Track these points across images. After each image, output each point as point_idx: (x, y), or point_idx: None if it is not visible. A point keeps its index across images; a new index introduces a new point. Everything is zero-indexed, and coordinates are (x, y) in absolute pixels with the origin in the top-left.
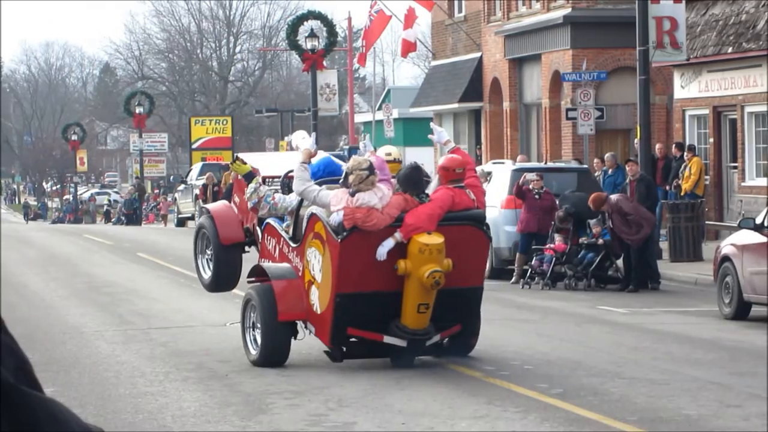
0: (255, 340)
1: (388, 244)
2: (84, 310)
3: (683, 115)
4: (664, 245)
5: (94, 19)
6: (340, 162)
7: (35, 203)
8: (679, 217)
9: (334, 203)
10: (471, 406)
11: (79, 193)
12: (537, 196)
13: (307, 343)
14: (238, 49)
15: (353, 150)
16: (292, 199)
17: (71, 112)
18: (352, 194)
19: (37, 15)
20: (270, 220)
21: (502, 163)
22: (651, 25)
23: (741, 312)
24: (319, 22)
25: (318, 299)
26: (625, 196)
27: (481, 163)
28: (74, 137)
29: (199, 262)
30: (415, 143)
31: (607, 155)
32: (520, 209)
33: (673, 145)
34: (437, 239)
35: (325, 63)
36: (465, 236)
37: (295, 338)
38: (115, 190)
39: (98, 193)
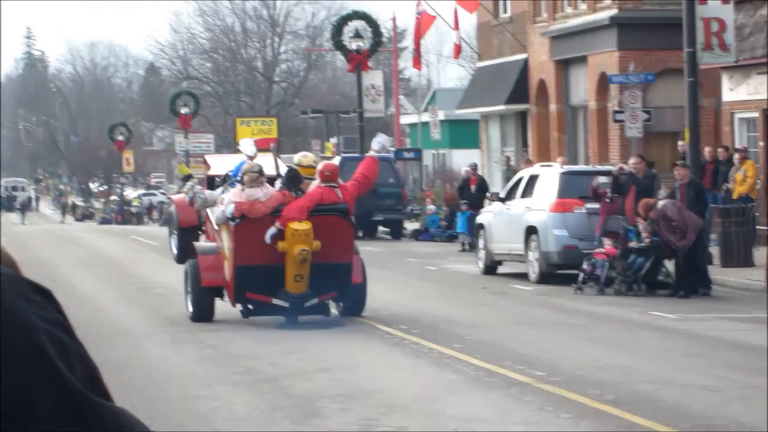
0: (190, 302)
1: (271, 231)
2: (133, 311)
3: (732, 118)
4: (714, 250)
5: (139, 19)
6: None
7: (82, 203)
8: (730, 222)
9: (230, 198)
10: (522, 412)
11: (125, 193)
12: (609, 200)
13: (358, 348)
14: (282, 49)
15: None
16: (218, 192)
17: (117, 112)
18: (243, 190)
19: (82, 15)
20: (208, 210)
21: (550, 165)
22: (699, 27)
23: None
24: (363, 22)
25: (227, 270)
26: (673, 202)
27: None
28: (120, 137)
29: (171, 240)
30: (460, 145)
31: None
32: (569, 213)
33: (722, 149)
34: (305, 225)
35: (370, 64)
36: (332, 224)
37: (221, 299)
38: (162, 191)
39: (144, 194)
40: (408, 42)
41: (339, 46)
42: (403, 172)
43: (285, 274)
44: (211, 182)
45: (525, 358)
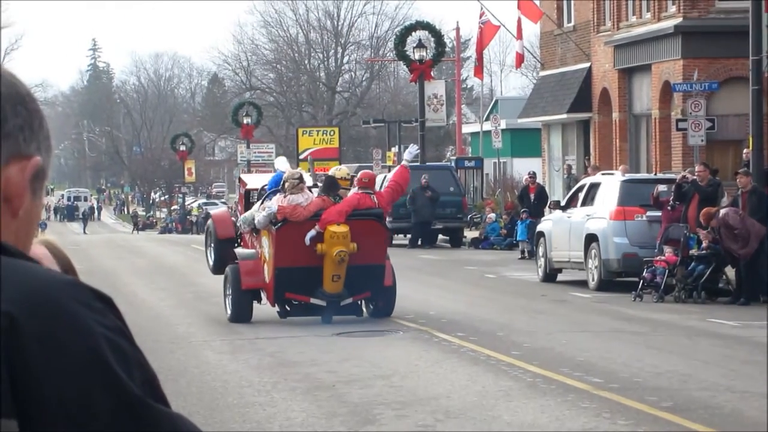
0: (229, 304)
1: (311, 233)
2: (192, 319)
3: None
4: None
5: (203, 31)
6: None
7: (144, 213)
8: None
9: (271, 204)
10: (580, 419)
11: (186, 203)
12: (670, 208)
13: (415, 355)
14: (345, 59)
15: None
16: (248, 215)
17: (179, 122)
18: (285, 196)
19: (147, 27)
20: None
21: (612, 174)
22: (764, 34)
23: None
24: (427, 32)
25: (267, 272)
26: (735, 210)
27: (588, 174)
28: (182, 148)
29: (207, 252)
30: (522, 154)
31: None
32: (629, 220)
33: None
34: (343, 228)
35: (432, 73)
36: (367, 227)
37: (259, 302)
38: (223, 200)
39: (206, 203)
40: (471, 51)
41: (402, 56)
42: (463, 181)
43: (323, 275)
44: (248, 197)
45: (583, 365)
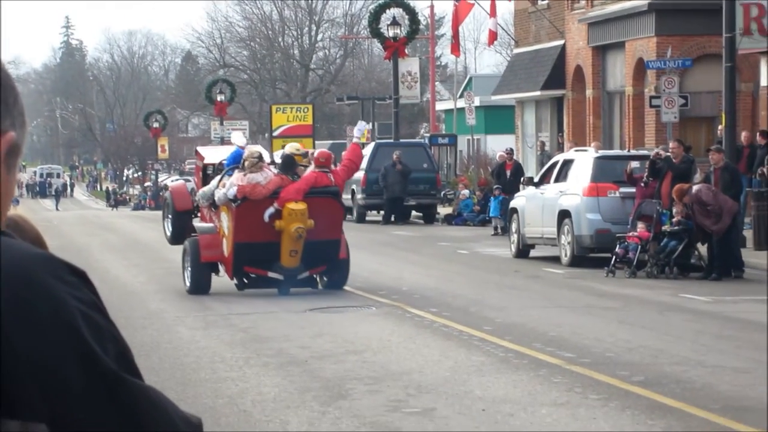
0: (188, 276)
1: (270, 210)
2: (164, 295)
3: None
4: (748, 233)
5: (176, 8)
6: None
7: (116, 190)
8: (764, 205)
9: (233, 182)
10: (551, 393)
11: (159, 180)
12: (643, 184)
13: (388, 330)
14: (319, 37)
15: (434, 138)
16: (207, 190)
17: (153, 100)
18: (245, 175)
19: (120, 4)
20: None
21: (585, 150)
22: (738, 12)
23: None
24: (401, 9)
25: (226, 247)
26: (708, 186)
27: (563, 151)
28: (156, 125)
29: (165, 223)
30: (496, 131)
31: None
32: (602, 197)
33: (759, 133)
34: (301, 206)
35: (406, 51)
36: (324, 204)
37: (217, 275)
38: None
39: (178, 179)
40: (445, 29)
41: (376, 33)
42: (437, 158)
43: (281, 250)
44: (204, 171)
45: (555, 340)
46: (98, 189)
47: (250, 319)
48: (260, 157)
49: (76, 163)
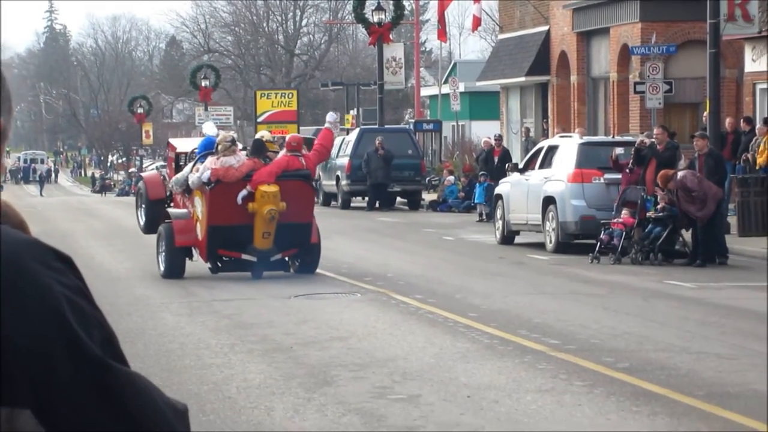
0: (162, 260)
1: (243, 193)
2: (149, 282)
3: (754, 88)
4: (732, 220)
5: None
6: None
7: (100, 176)
8: (749, 192)
9: (206, 166)
10: (536, 380)
11: (144, 165)
12: (628, 171)
13: (373, 317)
14: (304, 22)
15: (419, 124)
16: (180, 176)
17: (137, 85)
18: (218, 158)
19: None
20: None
21: (570, 136)
22: None
23: None
24: None
25: (200, 230)
26: (693, 172)
27: (547, 137)
28: (140, 110)
29: (138, 212)
30: (481, 117)
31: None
32: (587, 183)
33: (743, 120)
34: (273, 188)
35: (391, 36)
36: (295, 187)
37: (191, 259)
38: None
39: (162, 166)
40: (429, 14)
41: (361, 18)
42: (422, 144)
43: (254, 232)
44: (177, 160)
45: (540, 327)
46: (82, 175)
47: (235, 305)
48: (233, 141)
49: (61, 149)
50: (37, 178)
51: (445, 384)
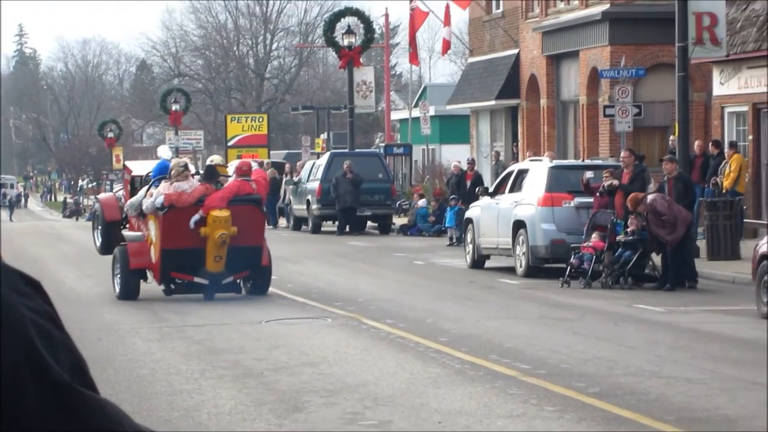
0: (117, 282)
1: (195, 217)
2: (119, 307)
3: (722, 112)
4: (701, 243)
5: (131, 17)
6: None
7: (71, 200)
8: (717, 215)
9: (160, 191)
10: (507, 405)
11: (114, 190)
12: (599, 194)
13: (344, 342)
14: (274, 46)
15: (390, 148)
16: (135, 200)
17: (107, 109)
18: (171, 183)
19: (75, 13)
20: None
21: (540, 160)
22: (690, 21)
23: None
24: (356, 18)
25: (153, 253)
26: (662, 196)
27: (518, 160)
28: (110, 134)
29: (95, 234)
30: (451, 140)
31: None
32: (557, 207)
33: (711, 143)
34: (225, 213)
35: (361, 60)
36: (246, 212)
37: (146, 281)
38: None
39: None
40: (400, 38)
41: (331, 42)
42: (392, 168)
43: (206, 255)
44: (133, 183)
45: (510, 352)
46: (52, 200)
47: (206, 330)
48: (186, 167)
49: (30, 174)
50: (7, 203)
51: (416, 410)
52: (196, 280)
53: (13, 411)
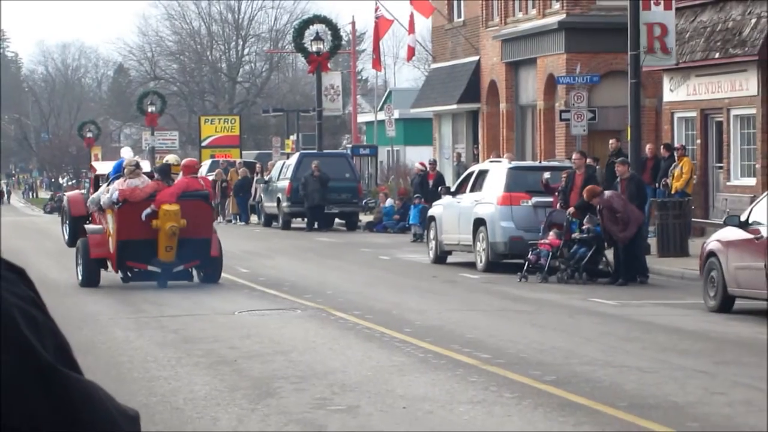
0: (80, 271)
1: (147, 211)
2: (99, 298)
3: (672, 117)
4: (652, 241)
5: (108, 22)
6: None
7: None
8: (668, 215)
9: (115, 187)
10: (468, 392)
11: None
12: (557, 194)
13: (313, 332)
14: (246, 51)
15: (356, 149)
16: (95, 196)
17: (87, 110)
18: (125, 180)
19: (54, 17)
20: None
21: (499, 161)
22: (642, 31)
23: (725, 305)
24: (324, 25)
25: (111, 244)
26: (618, 194)
27: (478, 162)
28: (89, 135)
29: (63, 228)
30: (415, 142)
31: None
32: (516, 206)
33: (662, 146)
34: (175, 207)
35: (329, 65)
36: (195, 206)
37: (106, 270)
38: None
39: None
40: (366, 44)
41: (300, 48)
42: (359, 168)
43: (158, 246)
44: (97, 180)
45: (472, 342)
46: (34, 197)
47: (181, 320)
48: (137, 165)
49: (12, 172)
50: None
51: (382, 396)
52: (150, 268)
53: (0, 391)
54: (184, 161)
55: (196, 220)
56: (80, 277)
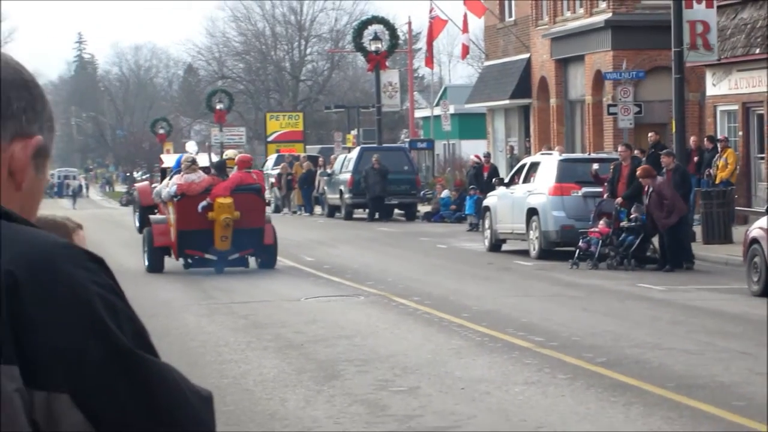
0: (146, 258)
1: (203, 204)
2: (172, 286)
3: (714, 110)
4: (697, 229)
5: (178, 24)
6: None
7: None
8: (712, 203)
9: (174, 182)
10: (523, 373)
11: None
12: (607, 184)
13: (375, 317)
14: (308, 51)
15: (414, 143)
16: (159, 189)
17: (159, 108)
18: (182, 175)
19: (127, 20)
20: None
21: (550, 153)
22: (685, 29)
23: None
24: (381, 26)
25: (172, 233)
26: (669, 183)
27: (530, 154)
28: (161, 131)
29: (134, 216)
30: (469, 136)
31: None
32: (566, 196)
33: (705, 138)
34: (228, 200)
35: (387, 63)
36: (248, 199)
37: (170, 257)
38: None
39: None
40: (422, 44)
41: (359, 47)
42: (416, 161)
43: (214, 236)
44: (164, 172)
45: (526, 326)
46: (110, 190)
47: (250, 306)
48: (194, 161)
49: (90, 167)
50: (70, 193)
51: (441, 377)
52: (207, 256)
53: (81, 373)
54: (238, 156)
55: (248, 211)
56: (146, 263)
